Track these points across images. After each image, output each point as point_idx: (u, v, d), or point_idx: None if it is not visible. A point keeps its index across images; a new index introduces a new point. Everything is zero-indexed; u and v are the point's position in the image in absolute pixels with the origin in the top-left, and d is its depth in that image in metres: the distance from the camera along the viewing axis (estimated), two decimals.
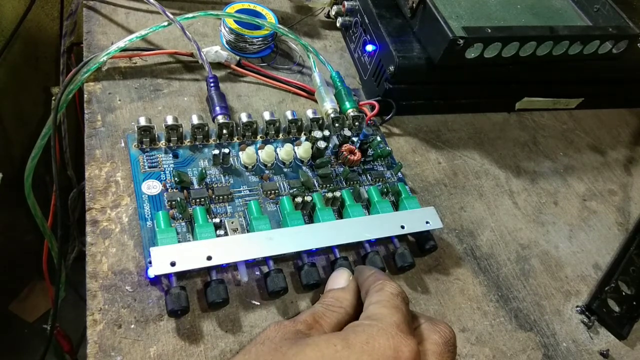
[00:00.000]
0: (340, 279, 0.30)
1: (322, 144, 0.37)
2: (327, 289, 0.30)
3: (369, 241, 0.34)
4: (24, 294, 1.00)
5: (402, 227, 0.34)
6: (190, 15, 0.41)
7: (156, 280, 0.30)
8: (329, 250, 0.34)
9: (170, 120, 0.35)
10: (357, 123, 0.41)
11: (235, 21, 0.44)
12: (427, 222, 0.35)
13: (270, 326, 0.27)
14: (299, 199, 0.34)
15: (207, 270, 0.30)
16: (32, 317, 0.99)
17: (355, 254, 0.35)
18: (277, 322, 0.27)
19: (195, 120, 0.36)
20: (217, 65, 0.44)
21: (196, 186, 0.34)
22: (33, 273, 0.99)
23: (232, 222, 0.33)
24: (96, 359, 0.27)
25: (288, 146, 0.37)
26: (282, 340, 0.25)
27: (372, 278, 0.29)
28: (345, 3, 0.49)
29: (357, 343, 0.24)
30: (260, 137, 0.39)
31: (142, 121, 0.34)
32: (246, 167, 0.36)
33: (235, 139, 0.38)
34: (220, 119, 0.38)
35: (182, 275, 0.31)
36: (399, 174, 0.40)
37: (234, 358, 0.26)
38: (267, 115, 0.39)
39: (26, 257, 0.93)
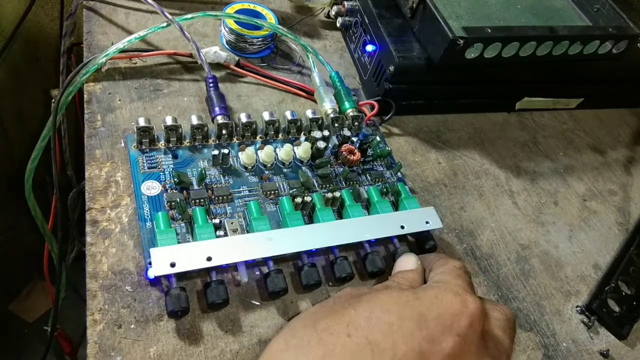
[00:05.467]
0: (409, 262, 0.32)
1: (321, 144, 0.37)
2: (395, 271, 0.33)
3: (368, 241, 0.34)
4: (24, 294, 1.00)
5: (402, 227, 0.34)
6: (190, 16, 0.41)
7: (156, 281, 0.30)
8: (328, 250, 0.34)
9: (169, 121, 0.35)
10: (356, 123, 0.41)
11: (235, 21, 0.44)
12: (426, 222, 0.35)
13: (347, 288, 0.30)
14: (298, 200, 0.34)
15: (207, 270, 0.30)
16: (32, 317, 0.99)
17: (355, 254, 0.35)
18: (354, 287, 0.30)
19: (194, 120, 0.36)
20: (217, 65, 0.44)
21: (196, 187, 0.34)
22: (33, 273, 0.99)
23: (231, 223, 0.33)
24: (96, 359, 0.27)
25: (287, 146, 0.37)
26: (358, 294, 0.28)
27: (436, 258, 0.32)
28: (345, 3, 0.49)
29: (427, 297, 0.27)
30: (260, 137, 0.39)
31: (141, 122, 0.34)
32: (246, 168, 0.36)
33: (234, 139, 0.38)
34: (220, 119, 0.38)
35: (182, 275, 0.31)
36: (399, 174, 0.40)
37: (311, 309, 0.29)
38: (266, 116, 0.38)
39: (26, 257, 0.93)
